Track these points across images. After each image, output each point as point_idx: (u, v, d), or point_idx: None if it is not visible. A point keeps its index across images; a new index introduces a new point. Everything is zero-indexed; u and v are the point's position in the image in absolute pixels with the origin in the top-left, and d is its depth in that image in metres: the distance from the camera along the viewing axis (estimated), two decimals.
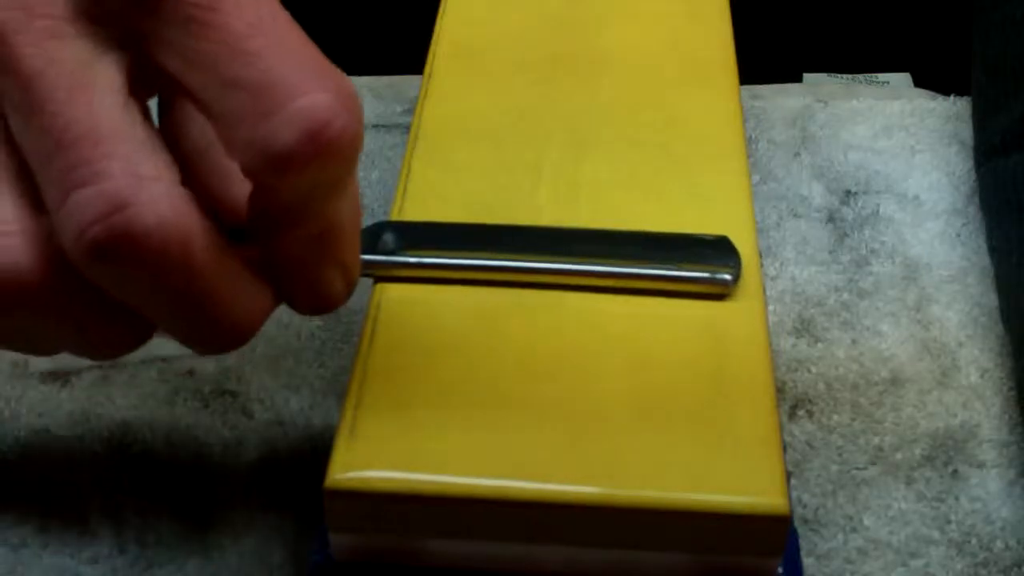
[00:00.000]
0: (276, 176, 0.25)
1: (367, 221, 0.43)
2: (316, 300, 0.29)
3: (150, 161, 0.25)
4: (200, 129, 0.29)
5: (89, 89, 0.25)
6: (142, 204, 0.24)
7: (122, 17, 0.25)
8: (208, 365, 0.39)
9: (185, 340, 0.28)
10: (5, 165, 0.26)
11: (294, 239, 0.27)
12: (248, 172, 0.25)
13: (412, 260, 0.33)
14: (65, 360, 0.38)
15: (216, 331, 0.27)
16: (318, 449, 0.37)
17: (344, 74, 0.25)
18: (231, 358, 0.39)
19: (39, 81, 0.25)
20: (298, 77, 0.24)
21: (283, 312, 0.40)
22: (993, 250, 0.42)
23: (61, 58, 0.25)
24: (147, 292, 0.26)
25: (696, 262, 0.33)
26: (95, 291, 0.26)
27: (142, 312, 0.27)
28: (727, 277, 0.32)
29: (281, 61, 0.25)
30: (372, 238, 0.33)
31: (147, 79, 0.26)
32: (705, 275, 0.32)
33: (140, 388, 0.38)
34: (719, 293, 0.32)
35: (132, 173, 0.24)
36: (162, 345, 0.39)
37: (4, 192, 0.26)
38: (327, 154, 0.25)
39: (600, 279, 0.33)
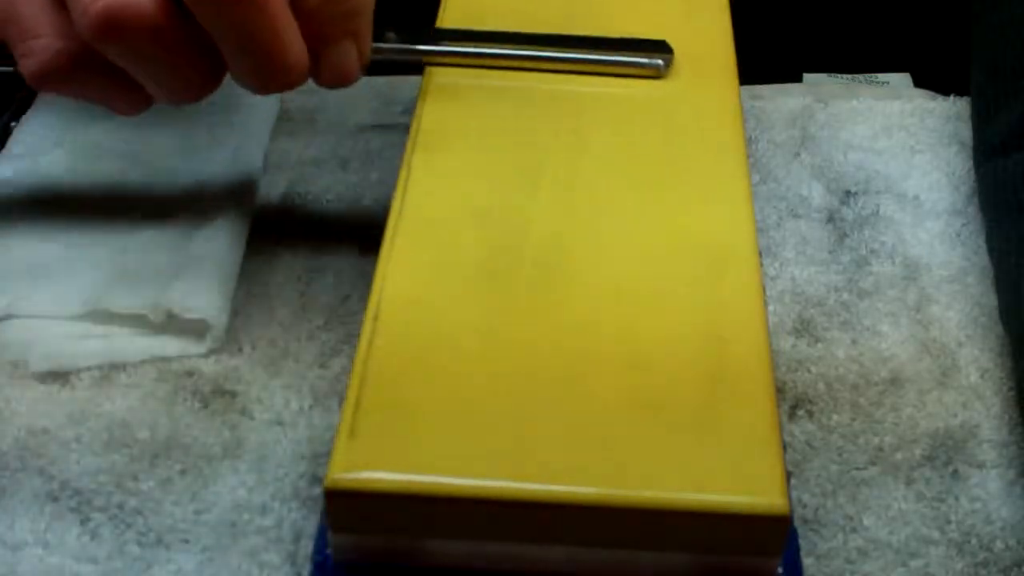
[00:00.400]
0: None
1: (367, 222, 0.44)
2: (334, 70, 0.36)
3: None
4: None
5: None
6: None
7: None
8: (208, 365, 0.39)
9: (246, 74, 0.34)
10: None
11: (317, 8, 0.34)
12: None
13: (415, 47, 0.40)
14: (65, 360, 0.38)
15: (272, 65, 0.34)
16: (318, 449, 0.37)
17: None
18: (231, 358, 0.39)
19: None
20: None
21: (284, 313, 0.41)
22: (992, 250, 0.42)
23: None
24: (228, 31, 0.33)
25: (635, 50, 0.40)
26: (196, 29, 0.33)
27: (221, 46, 0.33)
28: (659, 63, 0.40)
29: None
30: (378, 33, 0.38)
31: None
32: (643, 60, 0.40)
33: (140, 388, 0.38)
34: (654, 76, 0.40)
35: None
36: (162, 345, 0.39)
37: None
38: None
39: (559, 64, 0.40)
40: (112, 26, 0.32)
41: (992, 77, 0.45)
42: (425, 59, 0.41)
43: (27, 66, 0.34)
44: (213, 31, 0.33)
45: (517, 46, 0.41)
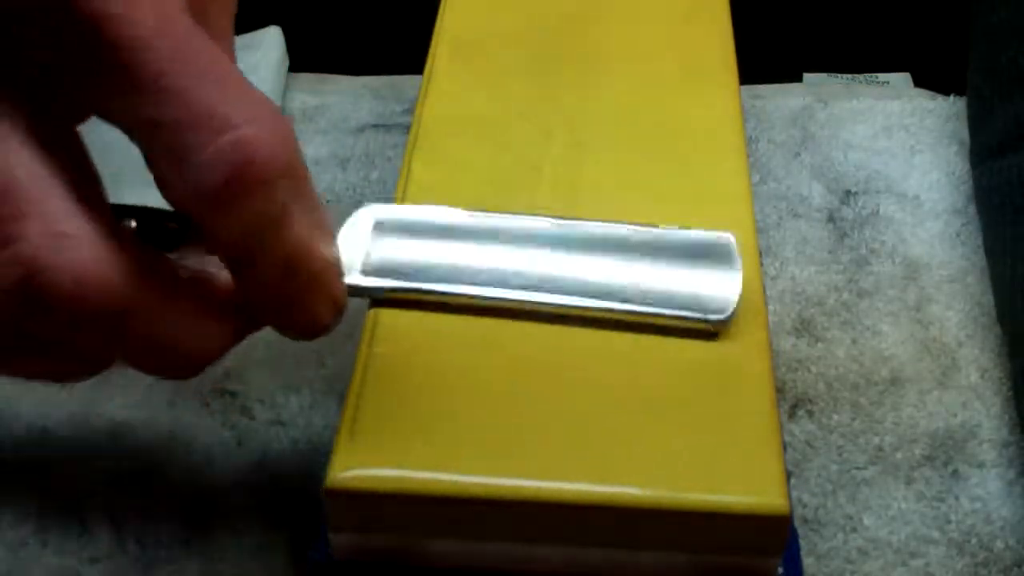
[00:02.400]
0: (211, 216, 0.24)
1: None
2: (299, 329, 0.28)
3: (72, 215, 0.24)
4: None
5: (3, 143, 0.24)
6: (58, 267, 0.23)
7: (23, 75, 0.24)
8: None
9: (137, 369, 0.27)
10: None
11: (255, 276, 0.26)
12: (184, 212, 0.25)
13: (406, 286, 0.32)
14: None
15: (162, 364, 0.27)
16: (318, 449, 0.37)
17: (268, 98, 0.25)
18: (231, 358, 0.39)
19: None
20: (220, 109, 0.24)
21: None
22: (988, 251, 0.42)
23: None
24: (86, 340, 0.25)
25: (693, 297, 0.31)
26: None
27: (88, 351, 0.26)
28: (720, 317, 0.31)
29: (201, 94, 0.24)
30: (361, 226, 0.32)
31: (65, 114, 0.25)
32: (699, 316, 0.31)
33: (140, 388, 0.38)
34: (711, 332, 0.31)
35: (49, 232, 0.23)
36: None
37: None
38: (258, 187, 0.24)
39: (590, 313, 0.32)
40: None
41: (988, 79, 0.45)
42: (413, 296, 0.32)
43: None
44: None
45: (542, 293, 0.32)
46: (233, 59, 0.26)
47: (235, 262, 0.26)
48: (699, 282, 0.32)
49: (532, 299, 0.32)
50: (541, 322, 0.32)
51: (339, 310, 0.29)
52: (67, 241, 0.24)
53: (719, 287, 0.32)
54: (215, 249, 0.26)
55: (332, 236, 0.28)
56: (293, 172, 0.25)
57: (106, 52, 0.24)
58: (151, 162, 0.25)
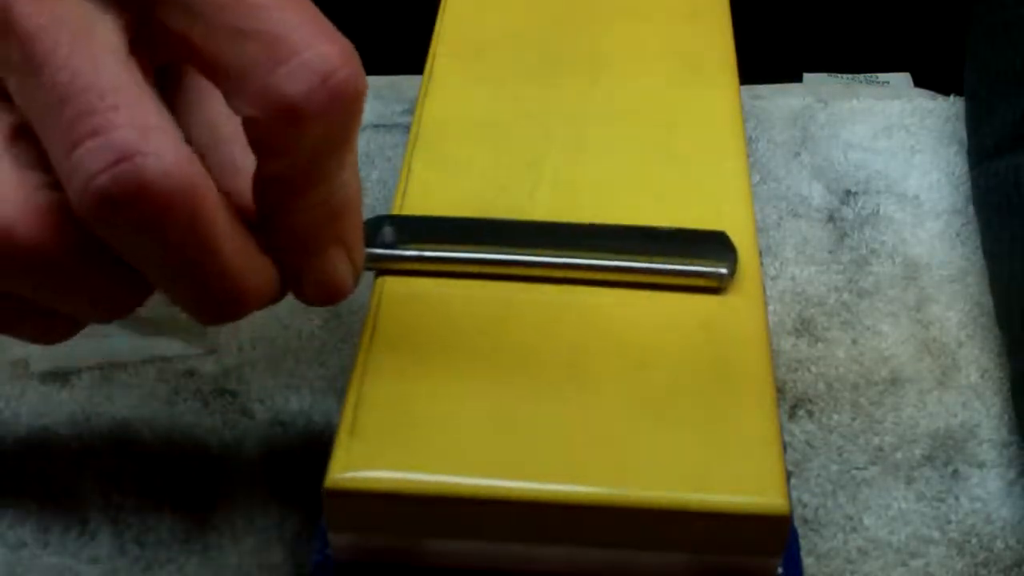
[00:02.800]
0: (286, 125, 0.25)
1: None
2: (323, 286, 0.29)
3: (155, 114, 0.25)
4: (206, 124, 0.29)
5: (92, 44, 0.25)
6: (150, 153, 0.24)
7: None
8: (208, 365, 0.39)
9: (184, 302, 0.28)
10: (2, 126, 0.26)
11: (300, 210, 0.27)
12: (257, 125, 0.25)
13: (413, 254, 0.33)
14: (65, 360, 0.38)
15: (215, 295, 0.27)
16: (318, 449, 0.37)
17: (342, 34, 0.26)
18: (231, 358, 0.39)
19: (40, 38, 0.25)
20: (306, 30, 0.25)
21: (284, 312, 0.41)
22: (987, 252, 0.42)
23: (61, 16, 0.25)
24: (152, 247, 0.25)
25: (692, 256, 0.33)
26: (96, 248, 0.26)
27: (145, 270, 0.26)
28: (723, 271, 0.32)
29: (288, 15, 0.25)
30: (371, 231, 0.33)
31: (148, 47, 0.26)
32: (701, 269, 0.33)
33: (140, 388, 0.38)
34: (715, 287, 0.33)
35: (139, 124, 0.24)
36: (162, 345, 0.39)
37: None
38: (336, 103, 0.25)
39: (596, 272, 0.33)
40: None
41: (985, 80, 0.45)
42: (429, 267, 0.33)
43: None
44: (128, 258, 0.26)
45: (536, 251, 0.33)
46: None
47: (284, 192, 0.27)
48: (699, 247, 0.33)
49: (535, 260, 0.33)
50: (541, 318, 0.32)
51: (357, 277, 0.30)
52: (157, 133, 0.24)
53: (719, 251, 0.33)
54: (273, 170, 0.27)
55: (361, 199, 0.29)
56: (362, 97, 0.26)
57: None
58: (226, 75, 0.25)
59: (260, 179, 0.27)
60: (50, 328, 0.29)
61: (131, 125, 0.24)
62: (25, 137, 0.26)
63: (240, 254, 0.27)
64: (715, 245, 0.33)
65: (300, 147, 0.26)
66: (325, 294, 0.29)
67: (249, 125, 0.26)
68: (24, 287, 0.27)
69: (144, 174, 0.24)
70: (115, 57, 0.25)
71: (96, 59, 0.25)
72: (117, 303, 0.28)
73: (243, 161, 0.28)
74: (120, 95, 0.25)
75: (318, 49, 0.25)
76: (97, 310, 0.28)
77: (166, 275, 0.27)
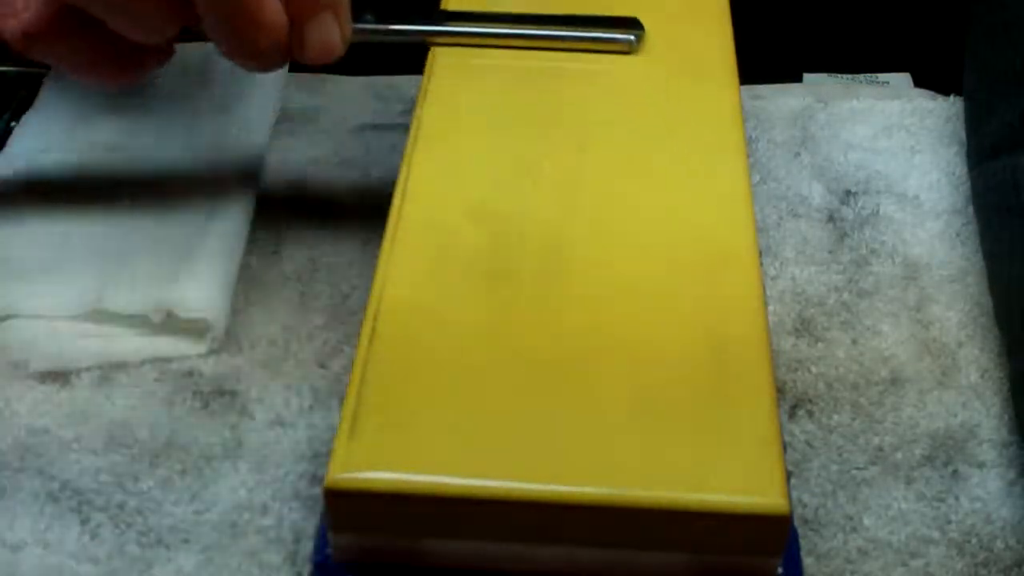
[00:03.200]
0: None
1: (368, 222, 0.44)
2: (319, 44, 0.36)
3: None
4: None
5: None
6: None
7: None
8: (208, 365, 0.39)
9: (226, 33, 0.34)
10: None
11: None
12: None
13: (393, 27, 0.40)
14: (65, 360, 0.38)
15: (249, 27, 0.34)
16: (318, 449, 0.37)
17: None
18: (231, 358, 0.39)
19: None
20: None
21: (284, 312, 0.41)
22: (986, 253, 0.42)
23: None
24: None
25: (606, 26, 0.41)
26: None
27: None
28: (631, 38, 0.41)
29: None
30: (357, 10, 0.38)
31: None
32: (612, 36, 0.41)
33: (140, 388, 0.38)
34: (624, 51, 0.41)
35: None
36: (162, 345, 0.39)
37: None
38: None
39: (530, 41, 0.41)
40: None
41: (983, 81, 0.45)
42: (405, 38, 0.42)
43: (9, 28, 0.34)
44: None
45: (491, 24, 0.42)
46: None
47: None
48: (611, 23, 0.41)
49: (483, 30, 0.41)
50: (541, 314, 0.32)
51: (346, 41, 0.37)
52: None
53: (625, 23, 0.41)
54: None
55: None
56: None
57: None
58: None
59: None
60: (124, 67, 0.37)
61: None
62: None
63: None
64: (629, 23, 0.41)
65: None
66: (319, 53, 0.36)
67: None
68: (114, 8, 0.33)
69: None
70: None
71: None
72: (165, 21, 0.34)
73: None
74: None
75: None
76: (157, 23, 0.34)
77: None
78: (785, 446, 0.36)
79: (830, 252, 0.43)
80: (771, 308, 0.41)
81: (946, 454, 0.37)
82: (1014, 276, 0.39)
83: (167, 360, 0.39)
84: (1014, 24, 0.44)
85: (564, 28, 0.41)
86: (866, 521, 0.35)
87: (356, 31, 0.38)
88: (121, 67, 0.37)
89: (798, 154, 0.47)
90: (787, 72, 0.53)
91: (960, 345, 0.40)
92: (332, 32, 0.36)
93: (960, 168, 0.46)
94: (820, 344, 0.40)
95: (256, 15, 0.34)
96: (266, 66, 0.36)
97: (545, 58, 0.41)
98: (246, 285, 0.41)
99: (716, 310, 0.33)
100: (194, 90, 0.48)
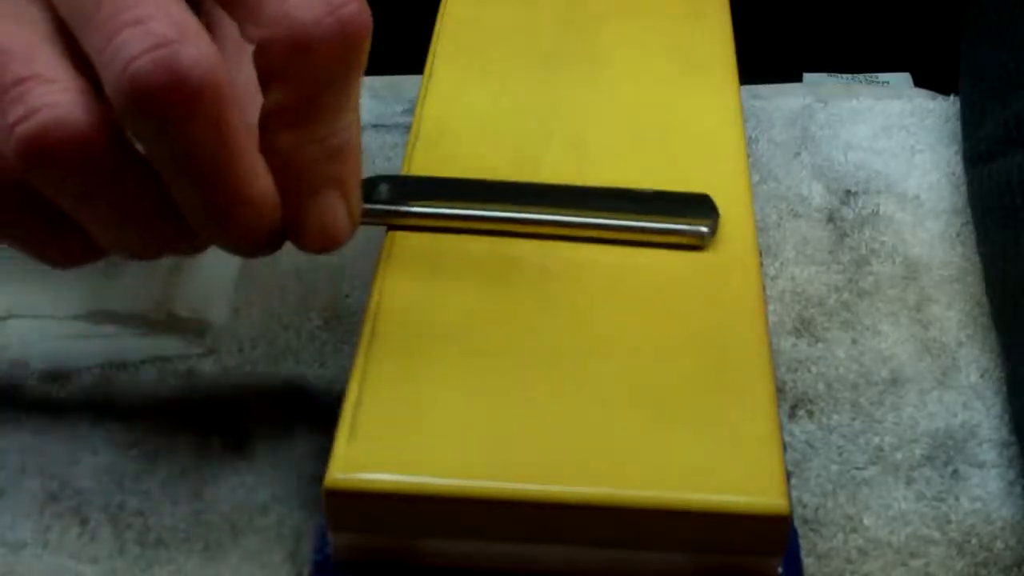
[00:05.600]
0: (295, 50, 0.27)
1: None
2: (320, 230, 0.30)
3: (189, 15, 0.27)
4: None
5: None
6: (186, 42, 0.26)
7: None
8: (208, 365, 0.39)
9: (192, 206, 0.29)
10: (42, 26, 0.28)
11: (302, 144, 0.29)
12: (267, 51, 0.28)
13: (412, 210, 0.34)
14: (65, 360, 0.38)
15: (223, 194, 0.28)
16: (318, 449, 0.37)
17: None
18: (231, 358, 0.39)
19: None
20: None
21: (284, 312, 0.41)
22: (983, 254, 0.42)
23: None
24: (176, 138, 0.27)
25: (675, 215, 0.34)
26: (128, 153, 0.28)
27: (163, 166, 0.28)
28: (703, 230, 0.34)
29: None
30: (369, 189, 0.34)
31: None
32: (683, 227, 0.34)
33: (140, 388, 0.38)
34: (696, 245, 0.34)
35: (176, 20, 0.26)
36: (162, 345, 0.39)
37: (47, 51, 0.28)
38: (342, 32, 0.27)
39: (587, 230, 0.34)
40: (44, 148, 0.27)
41: (978, 83, 0.45)
42: (424, 222, 0.35)
43: None
44: (151, 151, 0.28)
45: (525, 208, 0.35)
46: None
47: (291, 121, 0.29)
48: (682, 207, 0.35)
49: (529, 217, 0.34)
50: (541, 311, 0.32)
51: (354, 226, 0.31)
52: (190, 29, 0.27)
53: (701, 209, 0.35)
54: (278, 101, 0.29)
55: (360, 148, 0.30)
56: (368, 32, 0.29)
57: None
58: (238, 5, 0.28)
59: (265, 113, 0.29)
60: (70, 249, 0.31)
61: (169, 20, 0.26)
62: (62, 39, 0.28)
63: (251, 158, 0.28)
64: (699, 205, 0.35)
65: (306, 74, 0.28)
66: (322, 238, 0.31)
67: (260, 52, 0.28)
68: (63, 188, 0.28)
69: (180, 60, 0.26)
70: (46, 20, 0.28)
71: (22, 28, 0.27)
72: (141, 216, 0.29)
73: (248, 97, 0.30)
74: (31, 60, 0.27)
75: None
76: (120, 223, 0.29)
77: (183, 170, 0.28)
78: (785, 446, 0.36)
79: (830, 252, 0.43)
80: (771, 308, 0.41)
81: (946, 454, 0.37)
82: (1010, 277, 0.39)
83: (167, 360, 0.39)
84: (1006, 27, 0.44)
85: (631, 218, 0.35)
86: (866, 521, 0.35)
87: (368, 212, 0.33)
88: (77, 251, 0.31)
89: (798, 154, 0.47)
90: (787, 72, 0.53)
91: (960, 345, 0.40)
92: (337, 214, 0.30)
93: (960, 168, 0.46)
94: (820, 344, 0.40)
95: (241, 190, 0.28)
96: (254, 252, 0.30)
97: (545, 64, 0.41)
98: (246, 285, 0.41)
99: (716, 310, 0.33)
100: None
